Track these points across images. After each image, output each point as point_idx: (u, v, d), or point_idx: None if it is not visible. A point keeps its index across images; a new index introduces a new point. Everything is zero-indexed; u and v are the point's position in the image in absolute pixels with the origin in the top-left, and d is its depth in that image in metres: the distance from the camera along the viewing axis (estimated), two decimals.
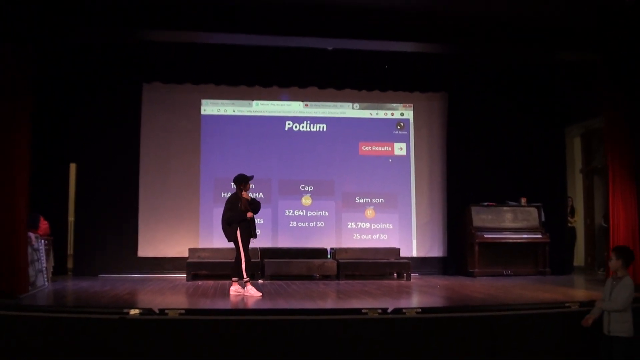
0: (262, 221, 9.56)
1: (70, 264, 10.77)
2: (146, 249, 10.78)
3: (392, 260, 10.59)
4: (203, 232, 11.00)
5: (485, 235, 10.67)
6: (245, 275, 7.75)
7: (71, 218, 11.07)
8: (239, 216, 7.81)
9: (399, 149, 11.70)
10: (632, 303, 5.86)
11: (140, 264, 10.70)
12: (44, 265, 8.45)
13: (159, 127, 11.00)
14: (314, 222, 11.36)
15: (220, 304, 7.11)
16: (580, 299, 6.87)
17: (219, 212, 10.88)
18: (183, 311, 5.95)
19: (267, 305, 7.02)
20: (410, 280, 10.12)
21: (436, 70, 11.20)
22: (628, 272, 5.97)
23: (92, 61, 10.37)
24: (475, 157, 11.33)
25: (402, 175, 11.65)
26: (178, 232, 10.89)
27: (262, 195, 11.09)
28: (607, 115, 8.66)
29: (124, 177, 10.72)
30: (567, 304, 6.54)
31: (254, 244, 8.34)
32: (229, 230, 7.86)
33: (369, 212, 11.51)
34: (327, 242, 11.10)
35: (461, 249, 11.10)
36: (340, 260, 10.29)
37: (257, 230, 8.07)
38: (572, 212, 12.02)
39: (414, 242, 11.55)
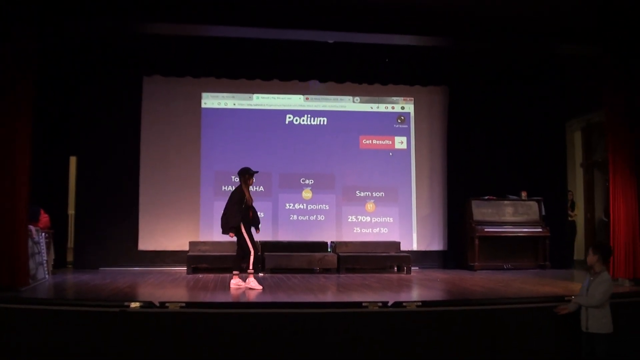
0: (262, 214, 9.56)
1: (70, 257, 10.78)
2: (146, 242, 10.79)
3: (393, 253, 10.61)
4: (203, 226, 11.01)
5: (485, 229, 10.67)
6: (251, 268, 7.80)
7: (71, 211, 11.07)
8: (232, 208, 7.84)
9: (400, 142, 11.69)
10: (610, 299, 5.83)
11: (141, 257, 10.71)
12: (45, 258, 8.46)
13: (159, 121, 10.99)
14: (315, 216, 11.37)
15: (220, 297, 7.13)
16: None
17: (219, 205, 10.91)
18: (183, 304, 5.97)
19: (268, 298, 7.03)
20: (410, 273, 10.14)
21: (437, 64, 11.17)
22: (605, 267, 5.97)
23: (92, 54, 10.34)
24: (476, 151, 11.33)
25: (403, 169, 11.65)
26: (178, 225, 10.89)
27: (262, 189, 11.10)
28: (608, 108, 8.64)
29: (124, 170, 10.72)
30: (567, 298, 6.54)
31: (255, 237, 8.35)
32: (228, 223, 7.86)
33: (370, 206, 11.51)
34: (328, 236, 11.12)
35: (461, 243, 11.11)
36: (340, 254, 10.30)
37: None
38: (573, 206, 12.01)
39: (414, 235, 11.55)
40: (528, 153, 11.42)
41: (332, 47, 10.07)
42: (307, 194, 11.35)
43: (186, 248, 10.33)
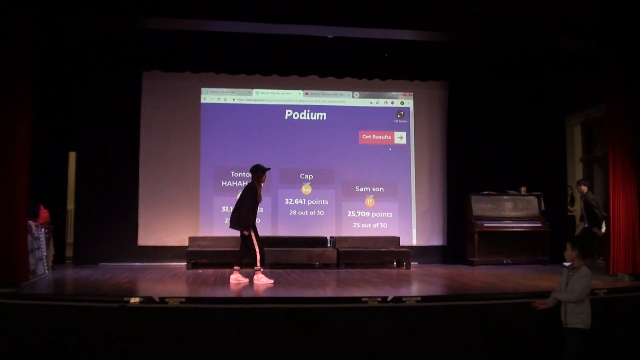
0: (262, 210, 9.57)
1: (70, 253, 10.78)
2: (146, 238, 10.80)
3: (392, 249, 10.61)
4: (203, 221, 11.02)
5: (485, 224, 10.68)
6: (258, 265, 7.84)
7: (71, 207, 11.07)
8: (247, 205, 7.87)
9: (399, 137, 11.68)
10: (589, 294, 5.81)
11: (141, 252, 10.72)
12: (44, 253, 8.46)
13: (158, 116, 10.99)
14: (314, 211, 11.37)
15: (220, 292, 7.12)
16: None
17: (219, 200, 11.02)
18: (183, 299, 5.97)
19: (268, 293, 7.03)
20: (410, 268, 10.14)
21: (436, 58, 11.18)
22: (581, 263, 5.91)
23: (92, 50, 10.35)
24: (476, 146, 11.32)
25: (402, 164, 11.65)
26: (178, 220, 10.90)
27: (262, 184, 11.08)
28: (607, 103, 8.62)
29: (123, 165, 10.72)
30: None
31: None
32: (241, 220, 7.86)
33: (369, 201, 11.51)
34: (327, 231, 11.13)
35: (461, 238, 11.12)
36: (340, 249, 10.31)
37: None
38: (572, 201, 12.02)
39: (414, 230, 11.56)
40: (528, 148, 11.42)
41: (331, 42, 10.05)
42: (306, 189, 11.35)
43: (186, 243, 10.34)
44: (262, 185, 8.16)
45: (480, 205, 10.92)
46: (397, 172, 11.62)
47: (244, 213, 7.89)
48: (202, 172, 11.12)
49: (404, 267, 10.22)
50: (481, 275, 8.92)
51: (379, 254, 10.53)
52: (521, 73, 11.38)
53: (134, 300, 5.86)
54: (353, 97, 11.63)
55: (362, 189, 11.51)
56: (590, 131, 12.23)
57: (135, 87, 10.88)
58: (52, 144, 10.28)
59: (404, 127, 11.71)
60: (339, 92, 11.57)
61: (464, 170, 11.32)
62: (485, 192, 11.06)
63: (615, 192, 8.39)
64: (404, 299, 6.18)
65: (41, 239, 8.36)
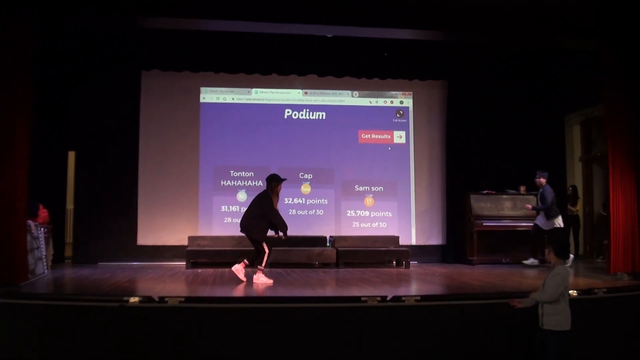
0: None
1: (69, 252, 10.78)
2: (145, 237, 10.80)
3: (391, 248, 10.62)
4: (202, 220, 11.03)
5: (484, 224, 10.69)
6: (263, 265, 7.85)
7: (70, 206, 11.07)
8: (271, 212, 7.84)
9: (399, 137, 11.69)
10: (568, 295, 5.60)
11: (140, 251, 10.72)
12: (44, 253, 8.45)
13: (158, 115, 10.99)
14: (314, 210, 11.37)
15: (219, 292, 7.12)
16: (578, 287, 6.87)
17: (218, 200, 11.02)
18: (183, 299, 5.96)
19: (267, 293, 7.03)
20: (409, 268, 10.15)
21: (436, 58, 11.19)
22: (557, 262, 5.69)
23: (91, 49, 10.36)
24: (475, 146, 11.33)
25: (402, 163, 11.66)
26: (177, 220, 10.90)
27: (261, 184, 11.08)
28: (607, 103, 8.62)
29: (123, 165, 10.72)
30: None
31: None
32: (258, 225, 7.84)
33: (369, 200, 11.51)
34: (327, 230, 11.14)
35: (460, 237, 11.13)
36: (339, 249, 10.31)
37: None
38: (575, 201, 12.00)
39: (413, 230, 11.57)
40: (527, 147, 11.43)
41: (330, 41, 10.06)
42: (306, 188, 11.36)
43: (185, 243, 10.35)
44: (279, 195, 8.09)
45: (480, 205, 10.93)
46: (396, 172, 11.62)
47: (256, 223, 7.84)
48: (201, 171, 11.12)
49: (404, 267, 10.23)
50: (480, 275, 8.92)
51: (378, 254, 10.53)
52: (521, 72, 11.39)
53: (134, 299, 5.86)
54: (352, 96, 11.63)
55: (361, 189, 11.51)
56: (590, 130, 12.23)
57: (134, 86, 10.88)
58: (51, 143, 10.28)
59: (404, 127, 11.71)
60: (338, 92, 11.57)
61: (463, 169, 11.32)
62: (485, 192, 11.07)
63: (615, 192, 8.40)
64: (403, 298, 6.18)
65: (40, 239, 8.36)
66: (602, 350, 6.23)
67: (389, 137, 11.67)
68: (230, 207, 11.12)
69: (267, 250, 7.85)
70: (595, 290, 6.65)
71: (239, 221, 8.04)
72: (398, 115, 11.71)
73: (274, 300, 6.44)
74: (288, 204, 11.24)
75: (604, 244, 9.54)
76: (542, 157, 11.39)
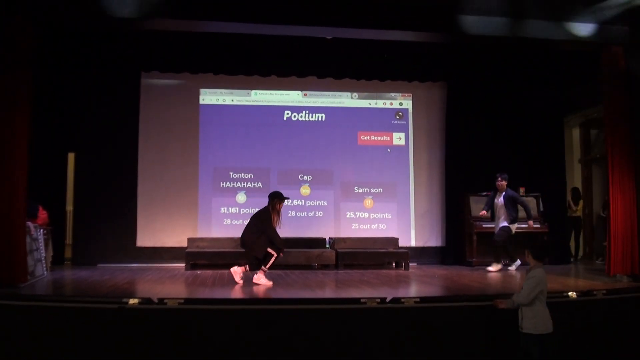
0: None
1: (68, 254, 10.76)
2: (145, 239, 10.79)
3: (391, 249, 10.61)
4: (202, 222, 11.02)
5: (483, 225, 10.66)
6: (267, 267, 7.84)
7: (70, 208, 11.06)
8: (269, 228, 7.83)
9: (398, 138, 11.69)
10: (544, 297, 5.52)
11: (139, 253, 10.71)
12: (43, 254, 8.45)
13: (157, 117, 10.98)
14: (313, 212, 11.37)
15: (219, 294, 7.12)
16: (578, 289, 6.88)
17: (217, 201, 11.02)
18: (182, 300, 5.96)
19: (266, 294, 7.03)
20: (408, 269, 10.14)
21: (435, 59, 11.19)
22: (534, 265, 5.67)
23: (91, 50, 10.35)
24: (474, 147, 11.32)
25: (401, 165, 11.66)
26: (177, 221, 10.90)
27: (260, 185, 11.12)
28: (606, 104, 8.63)
29: (122, 166, 10.72)
30: (564, 294, 6.56)
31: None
32: (257, 241, 7.81)
33: (368, 202, 11.51)
34: (326, 232, 11.13)
35: (459, 239, 11.12)
36: (338, 250, 10.30)
37: None
38: (576, 202, 12.01)
39: (413, 231, 11.57)
40: (526, 149, 11.42)
41: (330, 43, 10.05)
42: (305, 190, 11.36)
43: (184, 244, 10.34)
44: (280, 214, 8.06)
45: (479, 206, 10.88)
46: (395, 173, 11.62)
47: (255, 239, 7.81)
48: (200, 173, 11.11)
49: (403, 268, 10.22)
50: (480, 276, 8.93)
51: (378, 255, 10.53)
52: (520, 74, 11.38)
53: (133, 301, 5.86)
54: (352, 98, 11.63)
55: (360, 190, 11.51)
56: (589, 132, 12.25)
57: (133, 87, 10.87)
58: (51, 144, 10.26)
59: (403, 128, 11.72)
60: (337, 93, 11.58)
61: (462, 171, 11.32)
62: (484, 193, 11.04)
63: (614, 193, 8.41)
64: (402, 300, 6.18)
65: (40, 240, 8.36)
66: (602, 351, 6.23)
67: (389, 138, 11.67)
68: (230, 208, 11.12)
69: (274, 254, 7.83)
70: (595, 292, 6.66)
71: (240, 236, 8.04)
72: (397, 117, 11.72)
73: (274, 301, 6.45)
74: (287, 205, 11.10)
75: (603, 245, 9.54)
76: (542, 159, 11.41)
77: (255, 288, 7.41)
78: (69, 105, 10.61)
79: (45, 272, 8.44)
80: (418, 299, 6.25)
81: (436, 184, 11.63)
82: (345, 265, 10.20)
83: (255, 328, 5.76)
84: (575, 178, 12.59)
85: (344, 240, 10.71)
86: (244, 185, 11.17)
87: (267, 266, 7.83)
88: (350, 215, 11.47)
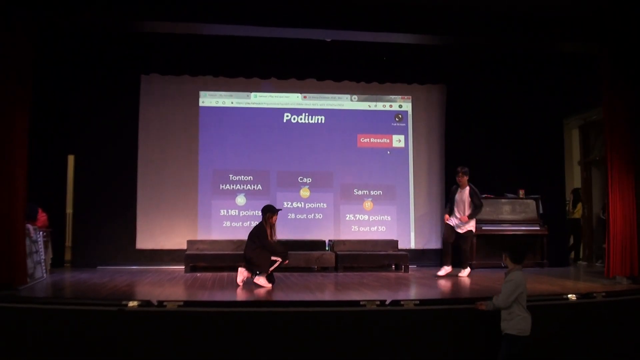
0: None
1: (68, 256, 10.77)
2: (144, 241, 10.79)
3: (390, 252, 10.61)
4: (201, 224, 11.02)
5: (483, 227, 10.66)
6: (270, 270, 7.85)
7: (69, 210, 11.06)
8: (267, 243, 7.85)
9: (398, 141, 11.70)
10: (525, 301, 5.52)
11: (139, 255, 10.71)
12: (43, 257, 8.45)
13: (157, 119, 10.99)
14: (312, 214, 11.37)
15: (218, 296, 7.12)
16: (577, 291, 6.88)
17: (217, 204, 11.03)
18: (182, 303, 5.95)
19: (266, 297, 7.03)
20: (408, 272, 10.14)
21: (435, 62, 11.19)
22: (512, 268, 5.65)
23: (90, 53, 10.35)
24: (474, 149, 11.32)
25: (401, 167, 11.66)
26: (176, 224, 10.90)
27: (260, 188, 11.12)
28: (606, 106, 8.63)
29: (122, 168, 10.72)
30: (564, 296, 6.56)
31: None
32: (260, 257, 7.82)
33: (368, 204, 11.51)
34: (326, 234, 11.13)
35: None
36: (338, 252, 10.30)
37: None
38: (576, 204, 11.99)
39: (412, 234, 11.57)
40: (526, 151, 11.44)
41: (329, 45, 10.07)
42: (305, 192, 11.36)
43: (184, 247, 10.33)
44: (274, 225, 8.07)
45: None
46: (395, 176, 11.63)
47: (257, 254, 7.81)
48: (200, 175, 11.11)
49: (402, 271, 10.22)
50: (479, 279, 8.92)
51: (377, 257, 10.53)
52: (519, 76, 11.40)
53: (132, 303, 5.85)
54: (351, 100, 11.64)
55: (360, 192, 11.52)
56: (589, 134, 12.25)
57: (133, 90, 10.88)
58: (50, 146, 10.28)
59: (403, 131, 11.72)
60: (337, 96, 11.58)
61: None
62: (484, 195, 11.00)
63: (614, 195, 8.41)
64: (402, 302, 6.17)
65: (39, 242, 8.36)
66: (602, 353, 6.23)
67: (388, 141, 11.68)
68: (230, 211, 11.11)
69: (279, 259, 7.87)
70: (594, 294, 6.66)
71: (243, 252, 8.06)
72: (397, 119, 11.72)
73: (273, 304, 6.44)
74: (287, 207, 11.22)
75: (603, 247, 9.54)
76: (541, 161, 11.42)
77: (255, 291, 7.41)
78: (69, 108, 10.62)
79: (44, 275, 8.44)
80: (418, 302, 6.24)
81: (436, 186, 11.63)
82: (345, 267, 10.20)
83: (254, 331, 5.76)
84: (574, 180, 12.59)
85: (343, 242, 10.71)
86: (243, 188, 11.18)
87: (271, 270, 7.84)
88: (349, 217, 11.47)
